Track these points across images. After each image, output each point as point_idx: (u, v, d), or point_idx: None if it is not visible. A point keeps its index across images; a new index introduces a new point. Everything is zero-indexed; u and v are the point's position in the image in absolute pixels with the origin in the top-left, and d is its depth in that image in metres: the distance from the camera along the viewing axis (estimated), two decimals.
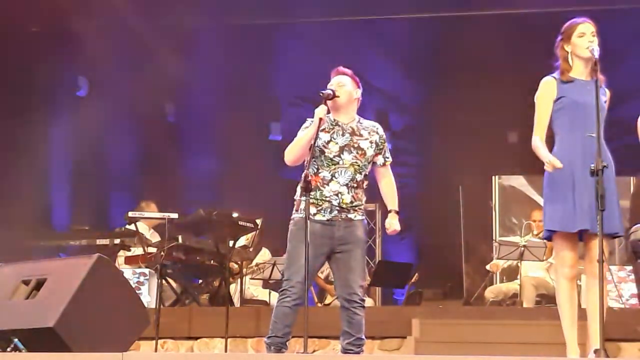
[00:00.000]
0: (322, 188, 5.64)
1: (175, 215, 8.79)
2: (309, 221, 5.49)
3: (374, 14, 11.71)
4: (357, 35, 11.83)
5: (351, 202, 5.66)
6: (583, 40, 5.24)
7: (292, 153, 5.71)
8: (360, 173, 5.70)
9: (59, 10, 10.86)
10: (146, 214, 9.28)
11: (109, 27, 11.21)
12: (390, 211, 5.80)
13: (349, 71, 5.87)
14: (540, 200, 11.16)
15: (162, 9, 11.09)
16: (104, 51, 11.23)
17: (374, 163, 5.78)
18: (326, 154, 5.67)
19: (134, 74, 11.13)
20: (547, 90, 5.31)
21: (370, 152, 5.73)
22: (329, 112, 5.74)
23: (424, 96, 12.79)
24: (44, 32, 11.44)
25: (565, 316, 5.22)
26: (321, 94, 5.70)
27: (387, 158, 5.82)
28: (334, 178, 5.65)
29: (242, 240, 9.72)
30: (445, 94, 12.09)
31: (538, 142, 5.25)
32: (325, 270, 10.10)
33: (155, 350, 7.62)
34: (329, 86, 5.79)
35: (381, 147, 5.79)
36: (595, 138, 5.05)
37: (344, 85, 5.78)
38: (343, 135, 5.72)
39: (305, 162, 5.70)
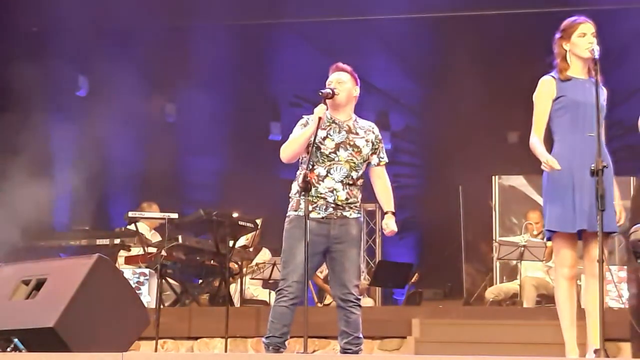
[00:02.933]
0: (317, 185, 5.63)
1: (175, 215, 8.80)
2: (304, 219, 5.50)
3: (374, 14, 11.71)
4: (357, 35, 11.83)
5: (346, 199, 5.65)
6: (583, 40, 5.25)
7: (289, 151, 5.70)
8: (356, 171, 5.69)
9: (59, 10, 10.86)
10: (146, 214, 9.29)
11: (109, 27, 11.21)
12: (386, 212, 5.79)
13: (348, 68, 5.83)
14: (540, 200, 11.18)
15: (162, 9, 11.09)
16: (104, 51, 11.23)
17: (369, 163, 5.78)
18: (322, 150, 5.66)
19: (134, 73, 11.13)
20: (546, 89, 5.31)
21: (365, 151, 5.73)
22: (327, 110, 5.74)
23: (424, 96, 12.80)
24: (44, 32, 11.44)
25: (565, 316, 5.22)
26: (320, 93, 5.69)
27: (382, 158, 5.81)
28: (329, 174, 5.64)
29: (242, 240, 9.72)
30: (445, 94, 12.09)
31: (535, 141, 5.25)
32: (325, 270, 10.10)
33: (155, 350, 7.62)
34: (328, 82, 5.77)
35: (376, 146, 5.78)
36: (594, 137, 5.06)
37: (343, 83, 5.76)
38: (339, 132, 5.72)
39: (301, 161, 5.70)
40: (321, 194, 5.62)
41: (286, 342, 5.61)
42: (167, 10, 11.17)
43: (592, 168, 4.91)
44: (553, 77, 5.32)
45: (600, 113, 5.06)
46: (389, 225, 5.73)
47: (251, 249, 9.98)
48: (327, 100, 5.68)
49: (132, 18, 10.95)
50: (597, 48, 5.17)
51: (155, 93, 11.67)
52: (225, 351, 7.84)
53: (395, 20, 11.89)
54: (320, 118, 5.59)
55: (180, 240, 8.76)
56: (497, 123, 12.07)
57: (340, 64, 5.85)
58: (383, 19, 11.89)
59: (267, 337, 5.60)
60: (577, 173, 5.17)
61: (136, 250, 9.30)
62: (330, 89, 5.71)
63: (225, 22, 11.72)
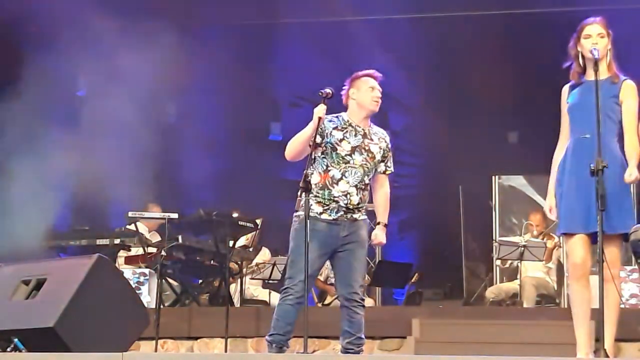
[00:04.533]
0: (330, 187, 5.65)
1: (175, 215, 8.80)
2: (315, 220, 5.55)
3: (374, 14, 11.71)
4: (357, 35, 11.82)
5: (358, 204, 5.68)
6: (588, 41, 5.26)
7: (291, 149, 5.74)
8: (368, 176, 5.75)
9: (60, 10, 10.86)
10: (146, 214, 9.29)
11: (109, 27, 11.20)
12: (379, 223, 5.84)
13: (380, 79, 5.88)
14: (540, 201, 11.17)
15: (162, 8, 11.09)
16: (104, 51, 11.22)
17: (376, 170, 5.81)
18: (338, 152, 5.69)
19: (134, 73, 11.13)
20: (563, 98, 5.40)
21: (378, 157, 5.79)
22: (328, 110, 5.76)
23: (424, 96, 12.79)
24: (44, 32, 11.43)
25: (574, 315, 5.22)
26: (320, 93, 5.71)
27: (389, 167, 5.87)
28: (343, 177, 5.67)
29: (242, 240, 9.72)
30: (445, 94, 12.09)
31: (553, 163, 5.30)
32: (324, 271, 10.09)
33: (155, 350, 7.62)
34: (370, 85, 5.78)
35: (386, 155, 5.84)
36: (589, 139, 5.07)
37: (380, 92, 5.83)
38: (355, 135, 5.75)
39: (308, 161, 5.71)
40: (335, 197, 5.64)
41: (289, 341, 5.62)
42: (167, 9, 11.17)
43: (592, 168, 4.91)
44: (568, 84, 5.37)
45: (600, 112, 5.04)
46: (378, 236, 5.82)
47: (251, 249, 9.98)
48: (373, 109, 5.69)
49: (133, 17, 10.95)
50: (597, 49, 5.17)
51: (155, 93, 11.66)
52: (225, 351, 7.84)
53: (395, 20, 11.88)
54: (320, 118, 5.61)
55: (180, 240, 8.76)
56: (497, 123, 12.06)
57: (377, 73, 5.86)
58: (383, 19, 11.89)
59: (270, 335, 5.61)
60: (567, 176, 5.20)
61: (136, 250, 9.30)
62: (330, 89, 5.74)
63: (226, 22, 11.71)
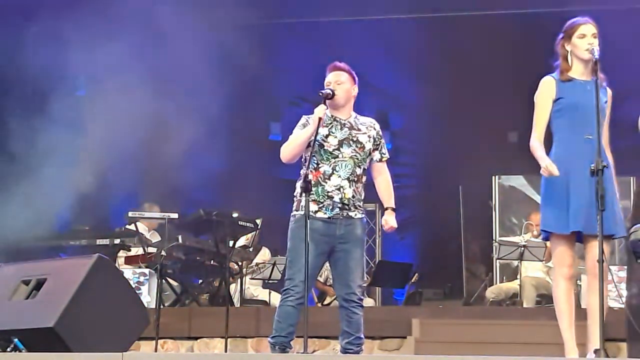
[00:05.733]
0: (323, 183, 5.64)
1: (175, 215, 8.81)
2: (310, 219, 5.52)
3: (374, 14, 11.71)
4: (357, 35, 11.82)
5: (352, 197, 5.66)
6: (583, 41, 5.25)
7: (289, 151, 5.72)
8: (360, 167, 5.71)
9: (59, 9, 10.86)
10: (146, 214, 9.31)
11: (109, 26, 11.20)
12: (387, 209, 5.81)
13: (346, 66, 5.83)
14: (540, 201, 11.19)
15: (162, 8, 11.08)
16: (103, 51, 11.22)
17: (371, 159, 5.79)
18: (325, 148, 5.68)
19: (133, 73, 11.13)
20: (546, 89, 5.31)
21: (368, 146, 5.75)
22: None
23: (424, 96, 12.79)
24: (44, 32, 11.43)
25: (564, 316, 5.22)
26: (321, 94, 5.71)
27: (384, 154, 5.84)
28: (334, 172, 5.66)
29: (242, 240, 9.73)
30: (445, 94, 12.08)
31: (536, 143, 5.25)
32: (324, 272, 10.10)
33: (155, 350, 7.62)
34: (326, 83, 5.78)
35: (378, 142, 5.81)
36: (593, 139, 5.05)
37: (342, 84, 5.77)
38: (342, 129, 5.74)
39: (304, 161, 5.71)
40: (328, 192, 5.63)
41: (292, 342, 5.62)
42: (167, 8, 11.16)
43: (592, 168, 4.90)
44: (554, 77, 5.32)
45: (600, 114, 5.05)
46: (389, 221, 5.76)
47: (251, 249, 9.98)
48: (327, 101, 5.70)
49: (132, 16, 10.95)
50: (596, 49, 5.17)
51: (155, 92, 11.66)
52: (225, 351, 7.85)
53: (395, 20, 11.88)
54: (320, 118, 5.60)
55: (180, 240, 8.77)
56: (497, 123, 12.06)
57: (338, 63, 5.85)
58: (383, 19, 11.89)
59: (273, 337, 5.60)
60: (574, 175, 5.17)
61: (136, 250, 9.30)
62: (330, 89, 5.73)
63: (226, 22, 11.70)
